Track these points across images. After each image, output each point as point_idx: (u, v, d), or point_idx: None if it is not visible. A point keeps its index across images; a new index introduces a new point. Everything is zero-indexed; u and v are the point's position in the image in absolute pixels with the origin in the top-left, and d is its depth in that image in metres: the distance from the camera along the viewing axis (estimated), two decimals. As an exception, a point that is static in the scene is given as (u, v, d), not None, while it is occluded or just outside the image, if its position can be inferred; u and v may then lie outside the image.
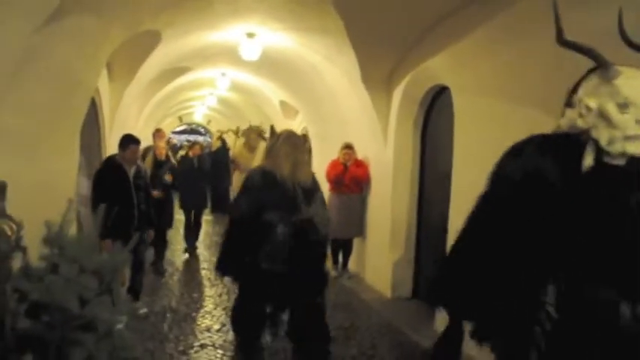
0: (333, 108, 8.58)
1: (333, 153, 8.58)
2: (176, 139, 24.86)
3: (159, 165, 7.18)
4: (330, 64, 7.16)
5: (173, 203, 7.79)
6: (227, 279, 5.29)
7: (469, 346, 2.96)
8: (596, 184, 2.27)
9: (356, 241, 7.55)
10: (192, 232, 8.74)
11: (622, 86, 2.22)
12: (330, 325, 5.41)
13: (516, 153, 2.67)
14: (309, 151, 5.81)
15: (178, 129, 25.33)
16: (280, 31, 6.56)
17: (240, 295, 4.45)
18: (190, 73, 9.69)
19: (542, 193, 2.37)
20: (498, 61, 4.45)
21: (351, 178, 7.07)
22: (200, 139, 22.44)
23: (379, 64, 6.29)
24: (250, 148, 6.49)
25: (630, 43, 2.41)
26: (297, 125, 11.83)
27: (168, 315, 5.62)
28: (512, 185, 2.55)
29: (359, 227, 7.40)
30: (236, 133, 9.54)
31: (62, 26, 2.88)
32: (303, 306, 4.33)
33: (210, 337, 5.08)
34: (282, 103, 11.26)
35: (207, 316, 5.70)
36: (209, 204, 10.78)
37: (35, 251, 2.89)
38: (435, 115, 6.31)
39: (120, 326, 2.64)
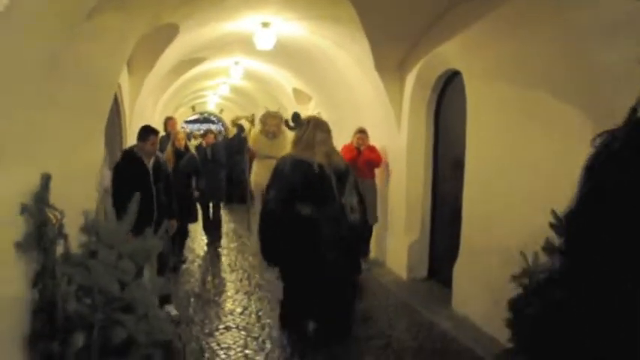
0: (346, 94, 8.68)
1: (347, 139, 8.70)
2: (189, 128, 25.02)
3: (179, 155, 6.97)
4: (343, 51, 7.26)
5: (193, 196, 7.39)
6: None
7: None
8: None
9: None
10: (211, 225, 8.54)
11: None
12: (349, 307, 5.62)
13: None
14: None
15: (191, 118, 25.50)
16: (294, 20, 6.66)
17: (288, 289, 4.70)
18: (205, 63, 9.81)
19: None
20: (510, 46, 4.52)
21: (365, 162, 7.05)
22: (212, 127, 22.63)
23: (391, 50, 6.38)
24: (269, 134, 6.43)
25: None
26: (310, 111, 11.95)
27: (192, 299, 5.82)
28: None
29: (372, 214, 7.13)
30: (251, 121, 9.10)
31: (89, 24, 3.03)
32: (337, 289, 4.53)
33: (233, 319, 5.27)
34: (295, 91, 11.37)
35: (229, 300, 5.89)
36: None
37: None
38: (447, 99, 6.40)
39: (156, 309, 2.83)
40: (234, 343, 4.69)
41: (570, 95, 3.84)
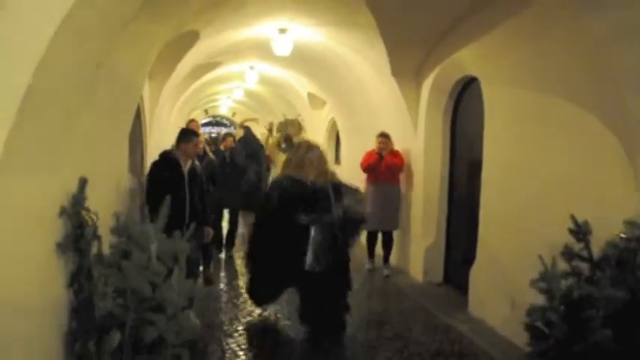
0: (362, 99, 8.76)
1: (362, 143, 8.76)
2: (201, 131, 25.16)
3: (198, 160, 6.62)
4: (360, 57, 7.34)
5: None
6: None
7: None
8: None
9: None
10: (227, 236, 8.24)
11: None
12: (365, 310, 5.71)
13: None
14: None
15: (204, 121, 25.70)
16: (311, 26, 6.75)
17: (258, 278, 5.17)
18: (220, 67, 9.92)
19: None
20: (528, 52, 4.57)
21: (387, 166, 7.04)
22: (224, 130, 22.78)
23: (409, 56, 6.45)
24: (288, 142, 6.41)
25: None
26: (324, 115, 12.04)
27: (211, 302, 5.91)
28: None
29: (396, 219, 7.29)
30: (269, 130, 8.58)
31: (121, 32, 3.12)
32: (329, 302, 4.95)
33: (252, 320, 5.35)
34: (310, 95, 11.46)
35: (248, 302, 5.95)
36: None
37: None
38: (463, 105, 6.46)
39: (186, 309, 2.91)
40: (252, 344, 4.76)
41: (588, 101, 3.88)
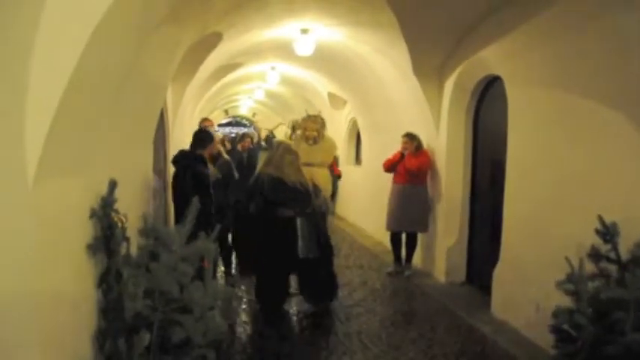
0: (383, 99, 8.74)
1: (383, 142, 8.75)
2: (221, 132, 25.29)
3: (213, 160, 6.55)
4: (381, 56, 7.33)
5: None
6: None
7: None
8: None
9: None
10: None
11: None
12: (389, 310, 5.72)
13: None
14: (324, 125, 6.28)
15: (224, 121, 25.85)
16: (333, 26, 6.76)
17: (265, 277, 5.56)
18: (241, 68, 9.98)
19: None
20: (553, 51, 4.52)
21: (404, 167, 7.00)
22: (244, 130, 22.90)
23: (431, 56, 6.42)
24: (309, 140, 6.31)
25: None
26: (345, 115, 12.04)
27: (234, 303, 5.96)
28: None
29: (420, 221, 7.11)
30: (293, 128, 8.24)
31: (147, 35, 3.17)
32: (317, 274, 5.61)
33: (274, 321, 5.38)
34: (331, 95, 11.47)
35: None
36: None
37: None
38: (486, 104, 6.41)
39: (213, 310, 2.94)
40: (275, 345, 4.79)
41: (617, 101, 3.83)
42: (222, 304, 3.37)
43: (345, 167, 11.74)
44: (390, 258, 7.53)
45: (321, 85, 11.30)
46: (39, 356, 2.09)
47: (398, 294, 6.45)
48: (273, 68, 10.78)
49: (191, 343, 2.99)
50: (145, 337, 2.50)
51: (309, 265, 5.48)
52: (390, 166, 7.19)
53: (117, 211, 2.79)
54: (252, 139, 8.90)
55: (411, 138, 7.05)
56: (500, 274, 5.44)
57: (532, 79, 4.90)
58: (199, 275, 3.07)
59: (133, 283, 2.59)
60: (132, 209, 3.39)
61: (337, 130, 11.90)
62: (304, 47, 7.20)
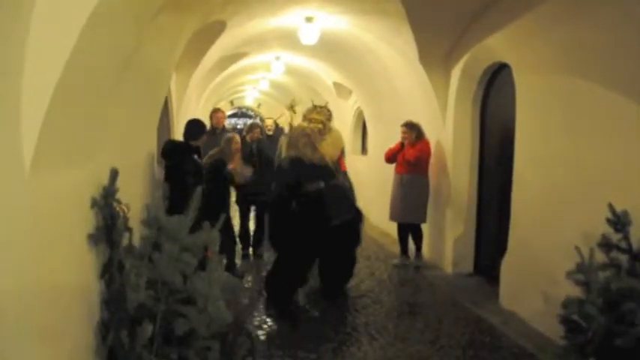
0: (388, 88, 8.65)
1: (388, 132, 8.66)
2: (226, 122, 25.23)
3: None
4: (386, 45, 7.23)
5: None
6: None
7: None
8: None
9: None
10: (254, 234, 7.59)
11: None
12: (396, 301, 5.68)
13: None
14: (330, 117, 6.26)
15: (229, 112, 25.82)
16: (338, 14, 6.67)
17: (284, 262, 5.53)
18: (246, 58, 9.91)
19: None
20: (563, 37, 4.42)
21: (403, 157, 6.89)
22: (251, 121, 22.83)
23: (437, 43, 6.32)
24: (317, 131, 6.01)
25: None
26: (351, 105, 11.95)
27: (241, 294, 5.92)
28: None
29: (419, 212, 6.98)
30: (291, 107, 7.45)
31: (150, 24, 3.11)
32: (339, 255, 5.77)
33: (280, 312, 5.35)
34: (336, 85, 11.38)
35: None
36: None
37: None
38: (494, 92, 6.32)
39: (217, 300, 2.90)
40: (282, 335, 4.76)
41: (630, 89, 3.75)
42: (228, 295, 3.30)
43: (351, 157, 11.65)
44: (396, 249, 7.48)
45: (326, 74, 11.21)
46: (37, 348, 2.05)
47: (405, 285, 6.40)
48: (277, 58, 10.70)
49: (195, 335, 2.95)
50: (148, 329, 2.47)
51: (337, 241, 5.57)
52: (391, 156, 7.10)
53: (119, 201, 2.74)
54: (261, 129, 8.15)
55: (410, 127, 6.90)
56: (509, 264, 5.38)
57: (541, 66, 4.81)
58: (203, 266, 3.03)
59: (135, 274, 2.55)
60: (135, 199, 3.36)
61: (343, 120, 11.82)
62: (309, 36, 7.12)
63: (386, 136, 8.85)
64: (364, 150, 11.86)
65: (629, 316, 3.00)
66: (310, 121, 6.27)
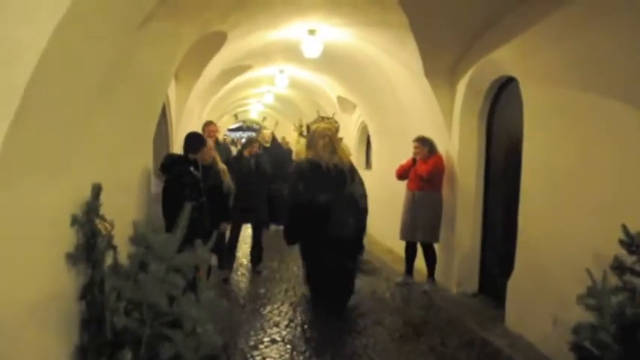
0: (392, 102, 8.51)
1: (393, 146, 8.51)
2: (230, 137, 25.08)
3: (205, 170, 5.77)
4: (391, 58, 7.11)
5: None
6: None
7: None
8: None
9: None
10: (252, 250, 7.52)
11: None
12: (399, 322, 5.49)
13: None
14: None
15: (233, 126, 25.73)
16: (341, 27, 6.56)
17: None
18: (250, 71, 9.81)
19: None
20: (572, 49, 4.28)
21: (415, 173, 6.71)
22: (249, 135, 22.71)
23: (442, 56, 6.19)
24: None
25: None
26: (355, 119, 11.82)
27: (236, 311, 5.74)
28: None
29: (432, 231, 6.71)
30: (300, 132, 7.50)
31: (142, 31, 2.98)
32: (340, 266, 5.71)
33: (279, 332, 5.16)
34: (340, 99, 11.27)
35: (274, 311, 5.78)
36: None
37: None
38: (500, 106, 6.17)
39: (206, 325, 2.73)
40: (279, 357, 4.57)
41: (630, 101, 3.59)
42: (219, 317, 3.13)
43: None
44: (400, 267, 7.26)
45: (330, 88, 11.11)
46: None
47: (408, 305, 6.19)
48: (281, 71, 10.60)
49: None
50: (127, 355, 2.30)
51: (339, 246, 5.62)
52: (403, 173, 6.91)
53: (103, 218, 2.59)
54: (260, 143, 8.12)
55: (422, 142, 6.72)
56: (516, 284, 5.18)
57: (549, 79, 4.65)
58: (193, 286, 2.87)
59: (115, 295, 2.38)
60: (124, 214, 3.20)
61: (347, 134, 11.67)
62: (312, 49, 7.01)
63: (390, 151, 8.70)
64: (368, 164, 11.71)
65: (646, 345, 2.82)
66: (327, 122, 6.14)
